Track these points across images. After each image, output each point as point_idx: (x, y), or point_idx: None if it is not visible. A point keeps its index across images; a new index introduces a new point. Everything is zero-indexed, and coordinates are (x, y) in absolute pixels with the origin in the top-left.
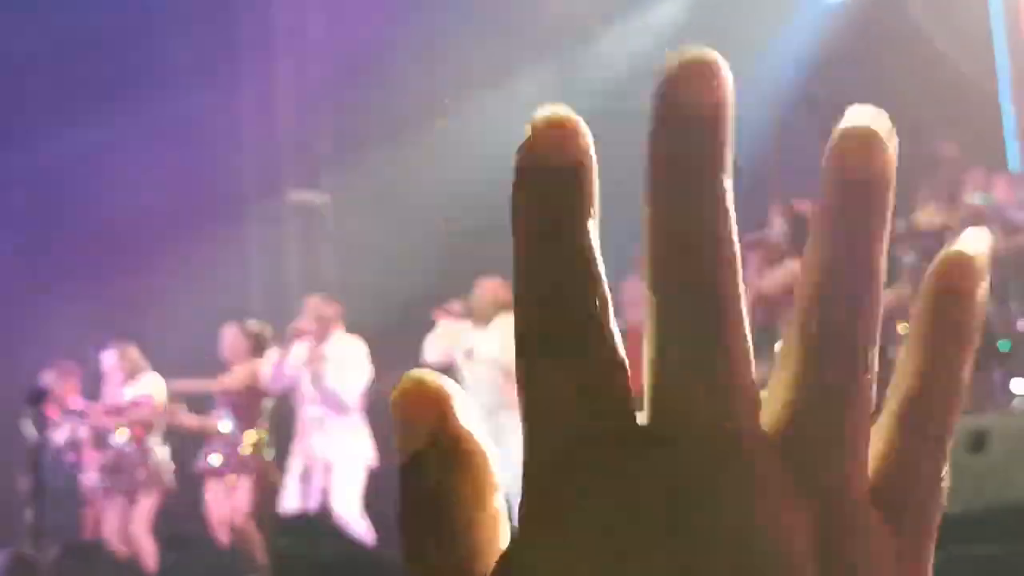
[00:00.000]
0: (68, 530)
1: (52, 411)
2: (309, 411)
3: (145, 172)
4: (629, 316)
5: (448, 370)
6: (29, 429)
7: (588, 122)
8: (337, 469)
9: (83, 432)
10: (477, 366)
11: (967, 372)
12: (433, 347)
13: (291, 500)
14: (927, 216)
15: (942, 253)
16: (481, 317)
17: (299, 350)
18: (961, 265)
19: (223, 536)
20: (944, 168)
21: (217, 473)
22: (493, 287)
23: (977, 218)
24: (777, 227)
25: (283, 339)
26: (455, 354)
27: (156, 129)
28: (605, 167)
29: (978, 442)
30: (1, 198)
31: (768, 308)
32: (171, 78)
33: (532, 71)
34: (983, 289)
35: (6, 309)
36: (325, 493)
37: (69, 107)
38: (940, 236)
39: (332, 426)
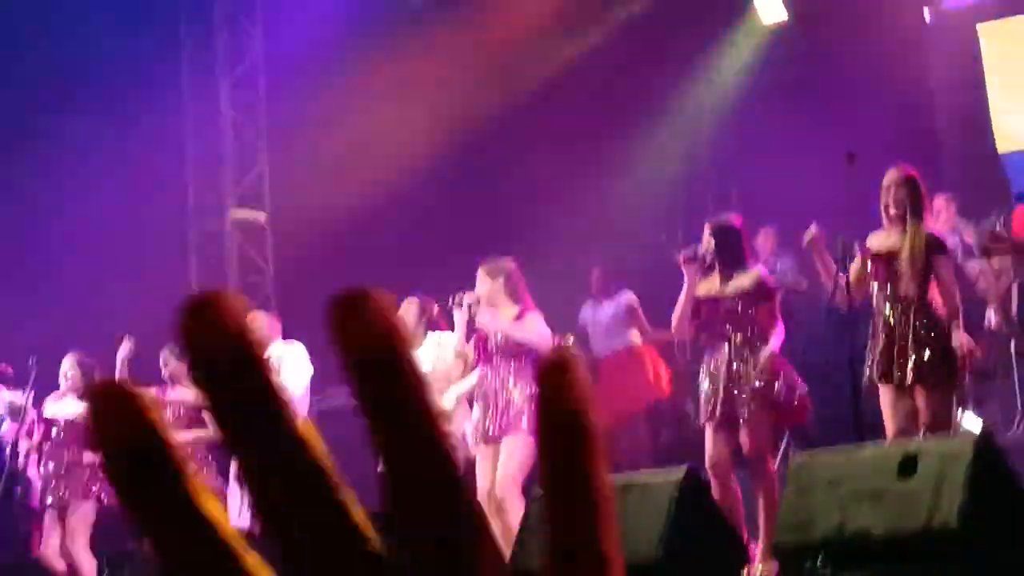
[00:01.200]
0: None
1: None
2: None
3: (87, 191)
4: (593, 345)
5: None
6: None
7: None
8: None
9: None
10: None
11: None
12: None
13: (236, 517)
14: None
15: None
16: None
17: None
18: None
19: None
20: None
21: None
22: (418, 304)
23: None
24: (705, 242)
25: None
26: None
27: (99, 148)
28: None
29: (907, 466)
30: None
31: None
32: (113, 96)
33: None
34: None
35: None
36: None
37: (7, 126)
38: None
39: None
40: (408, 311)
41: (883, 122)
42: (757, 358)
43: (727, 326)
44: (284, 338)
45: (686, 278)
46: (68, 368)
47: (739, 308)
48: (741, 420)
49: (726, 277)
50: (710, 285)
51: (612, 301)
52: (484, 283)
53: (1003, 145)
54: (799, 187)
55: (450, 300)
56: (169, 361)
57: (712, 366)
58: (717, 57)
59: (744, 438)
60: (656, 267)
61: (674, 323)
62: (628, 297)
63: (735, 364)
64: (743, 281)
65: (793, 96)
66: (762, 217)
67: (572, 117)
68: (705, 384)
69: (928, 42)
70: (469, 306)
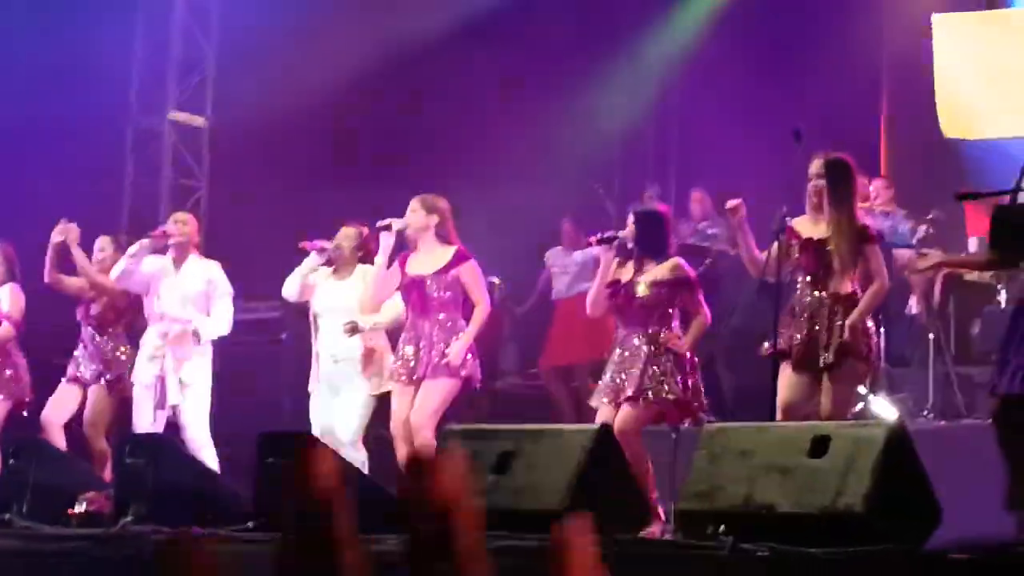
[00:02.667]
0: None
1: None
2: (168, 326)
3: (30, 83)
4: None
5: (301, 308)
6: None
7: None
8: (193, 390)
9: None
10: (333, 315)
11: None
12: (294, 285)
13: (144, 417)
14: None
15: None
16: (343, 265)
17: (156, 259)
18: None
19: (59, 440)
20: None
21: (74, 380)
22: (356, 234)
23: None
24: (629, 226)
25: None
26: (313, 299)
27: (46, 36)
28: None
29: (819, 446)
30: None
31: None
32: None
33: None
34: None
35: None
36: (177, 413)
37: None
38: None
39: (188, 344)
40: (347, 238)
41: (833, 100)
42: (664, 357)
43: (641, 315)
44: (208, 246)
45: (602, 260)
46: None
47: (655, 298)
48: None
49: (644, 265)
50: (628, 271)
51: (582, 252)
52: (418, 216)
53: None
54: (742, 157)
55: (377, 224)
56: (105, 248)
57: (617, 353)
58: (672, 17)
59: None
60: (584, 215)
61: (589, 306)
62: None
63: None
64: (662, 271)
65: (745, 65)
66: (699, 181)
67: (523, 54)
68: (609, 372)
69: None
70: (397, 232)
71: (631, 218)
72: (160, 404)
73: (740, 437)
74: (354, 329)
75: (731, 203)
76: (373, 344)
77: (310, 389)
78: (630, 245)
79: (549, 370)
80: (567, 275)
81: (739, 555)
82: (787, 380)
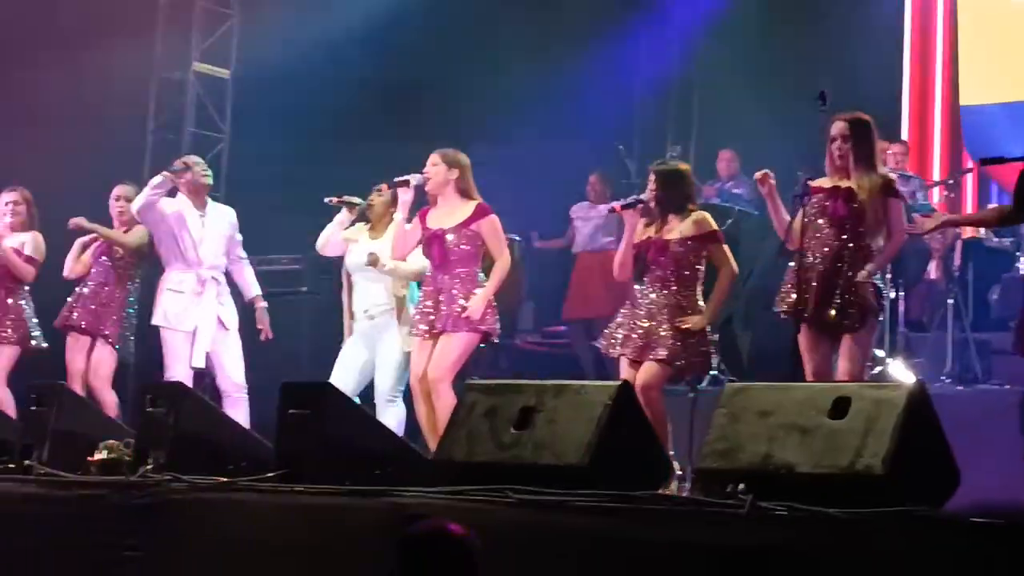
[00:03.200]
0: None
1: None
2: (208, 272)
3: (60, 33)
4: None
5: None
6: None
7: None
8: (233, 334)
9: None
10: (367, 272)
11: None
12: (331, 242)
13: (182, 364)
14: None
15: None
16: (377, 221)
17: (171, 201)
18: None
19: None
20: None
21: (79, 329)
22: (389, 191)
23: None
24: (650, 187)
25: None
26: (347, 256)
27: None
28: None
29: (840, 407)
30: None
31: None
32: None
33: None
34: None
35: None
36: (216, 357)
37: None
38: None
39: (222, 290)
40: (379, 194)
41: (855, 63)
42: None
43: (668, 271)
44: (228, 198)
45: (626, 224)
46: (10, 201)
47: (681, 253)
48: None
49: (668, 222)
50: (652, 229)
51: (607, 205)
52: (438, 171)
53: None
54: (764, 119)
55: (395, 179)
56: (128, 195)
57: (634, 305)
58: None
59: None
60: (609, 172)
61: (616, 269)
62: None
63: (663, 308)
64: (686, 226)
65: (768, 26)
66: (721, 143)
67: (548, 11)
68: (625, 323)
69: None
70: (415, 187)
71: (651, 177)
72: (199, 349)
73: (760, 397)
74: (375, 262)
75: (759, 173)
76: (404, 295)
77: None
78: (653, 205)
79: (570, 322)
80: (589, 225)
81: (758, 514)
82: (807, 341)
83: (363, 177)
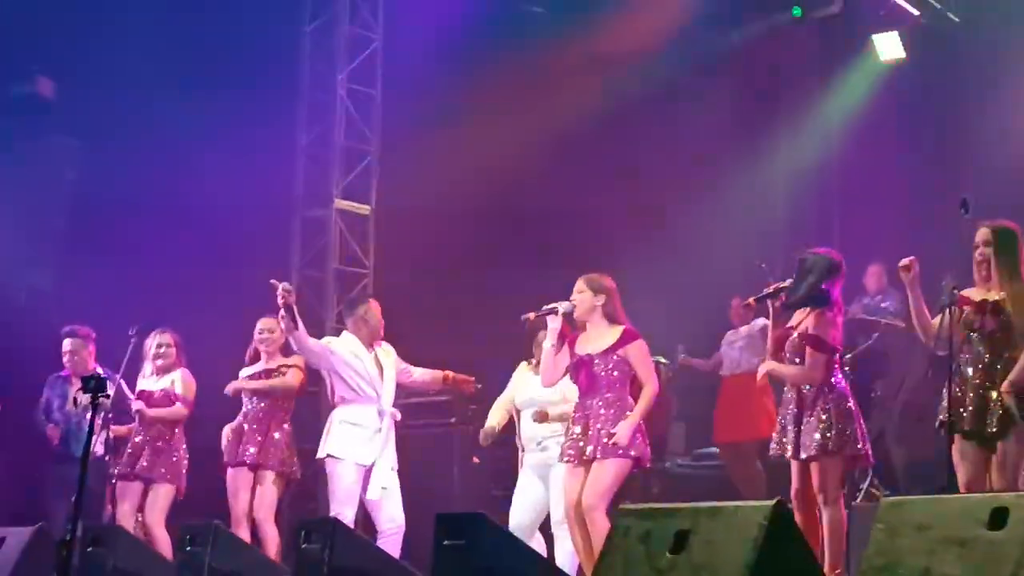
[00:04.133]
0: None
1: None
2: (384, 407)
3: (200, 172)
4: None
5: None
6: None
7: None
8: (395, 473)
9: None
10: (534, 408)
11: None
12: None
13: (352, 498)
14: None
15: None
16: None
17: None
18: None
19: (243, 531)
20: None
21: (244, 464)
22: (537, 322)
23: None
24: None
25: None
26: (515, 393)
27: (213, 129)
28: None
29: (998, 518)
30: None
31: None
32: (231, 78)
33: None
34: None
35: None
36: (383, 496)
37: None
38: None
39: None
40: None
41: (1000, 169)
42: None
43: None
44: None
45: (771, 314)
46: (159, 344)
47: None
48: (806, 457)
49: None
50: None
51: (747, 326)
52: (584, 297)
53: None
54: (907, 228)
55: (543, 308)
56: (272, 329)
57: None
58: (832, 91)
59: (814, 475)
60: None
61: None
62: (761, 322)
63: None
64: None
65: (907, 135)
66: (864, 254)
67: (686, 138)
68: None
69: None
70: (563, 314)
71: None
72: (365, 486)
73: (917, 510)
74: (544, 417)
75: (904, 261)
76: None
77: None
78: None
79: (721, 445)
80: (734, 350)
81: None
82: (960, 453)
83: (510, 306)
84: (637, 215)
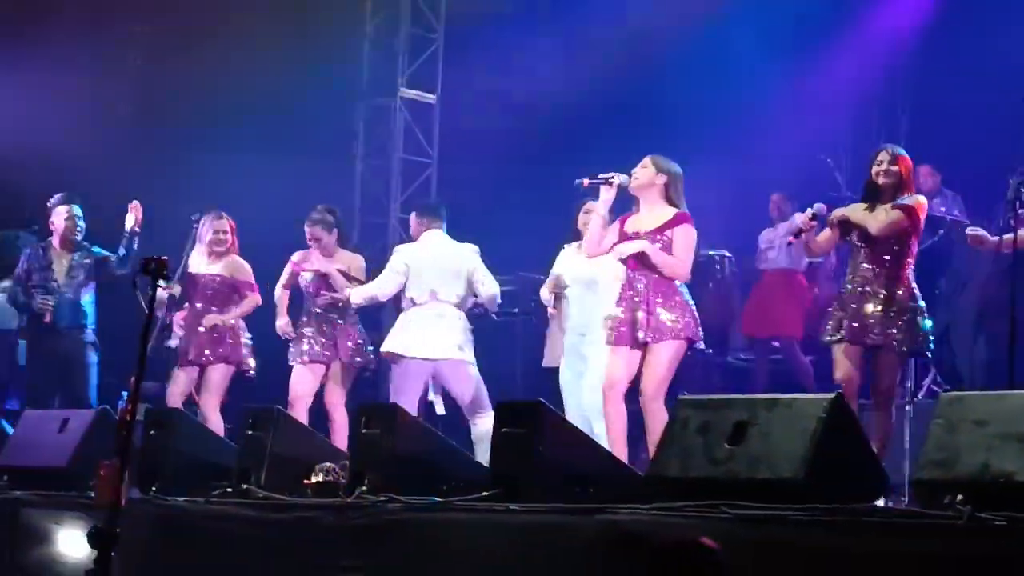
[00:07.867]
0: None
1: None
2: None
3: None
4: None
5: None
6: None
7: None
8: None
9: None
10: (579, 287)
11: None
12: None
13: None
14: None
15: None
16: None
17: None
18: None
19: (301, 416)
20: None
21: (311, 360)
22: (589, 207)
23: None
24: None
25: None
26: (560, 272)
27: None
28: None
29: None
30: None
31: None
32: None
33: None
34: None
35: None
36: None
37: None
38: None
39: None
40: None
41: None
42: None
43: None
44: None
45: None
46: (215, 229)
47: (881, 238)
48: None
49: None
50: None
51: (785, 223)
52: (646, 172)
53: None
54: (971, 126)
55: (599, 175)
56: (320, 228)
57: (849, 286)
58: None
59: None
60: (814, 191)
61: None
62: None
63: (868, 287)
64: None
65: (974, 33)
66: (927, 152)
67: (751, 26)
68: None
69: None
70: (619, 186)
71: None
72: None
73: (977, 406)
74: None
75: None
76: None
77: (548, 364)
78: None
79: (750, 339)
80: (773, 249)
81: (976, 524)
82: None
83: (572, 200)
84: (703, 110)
